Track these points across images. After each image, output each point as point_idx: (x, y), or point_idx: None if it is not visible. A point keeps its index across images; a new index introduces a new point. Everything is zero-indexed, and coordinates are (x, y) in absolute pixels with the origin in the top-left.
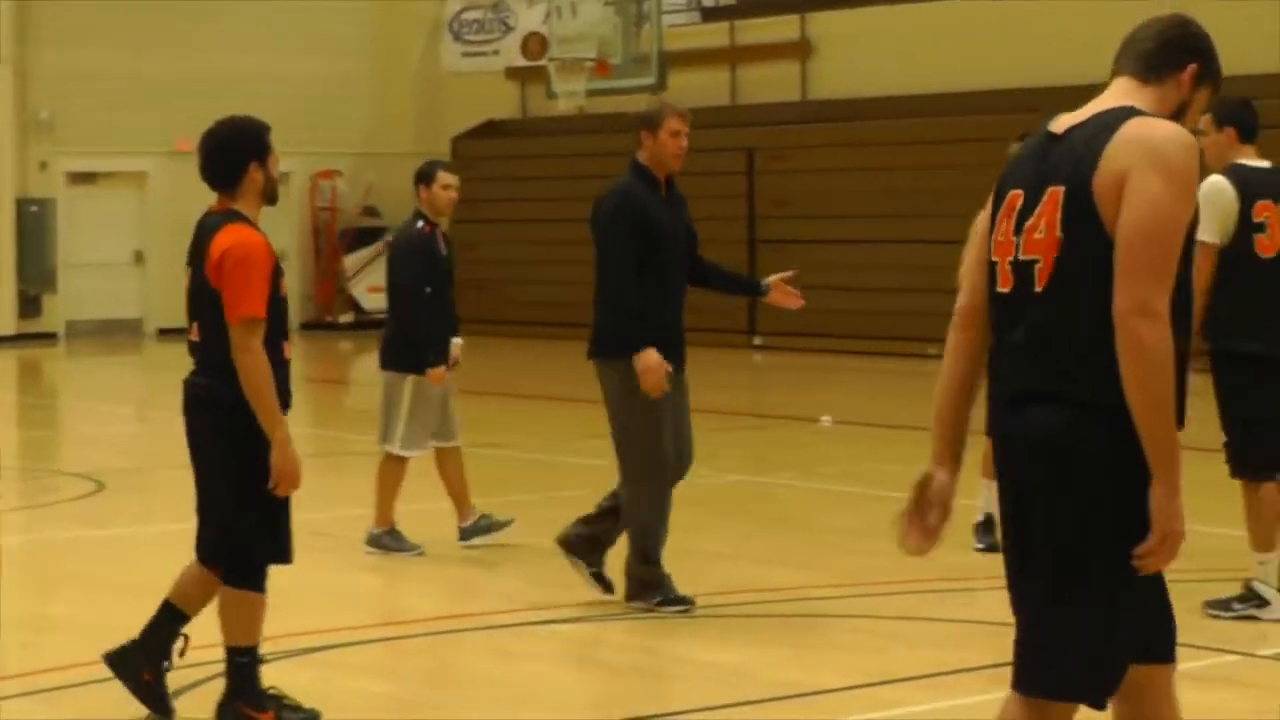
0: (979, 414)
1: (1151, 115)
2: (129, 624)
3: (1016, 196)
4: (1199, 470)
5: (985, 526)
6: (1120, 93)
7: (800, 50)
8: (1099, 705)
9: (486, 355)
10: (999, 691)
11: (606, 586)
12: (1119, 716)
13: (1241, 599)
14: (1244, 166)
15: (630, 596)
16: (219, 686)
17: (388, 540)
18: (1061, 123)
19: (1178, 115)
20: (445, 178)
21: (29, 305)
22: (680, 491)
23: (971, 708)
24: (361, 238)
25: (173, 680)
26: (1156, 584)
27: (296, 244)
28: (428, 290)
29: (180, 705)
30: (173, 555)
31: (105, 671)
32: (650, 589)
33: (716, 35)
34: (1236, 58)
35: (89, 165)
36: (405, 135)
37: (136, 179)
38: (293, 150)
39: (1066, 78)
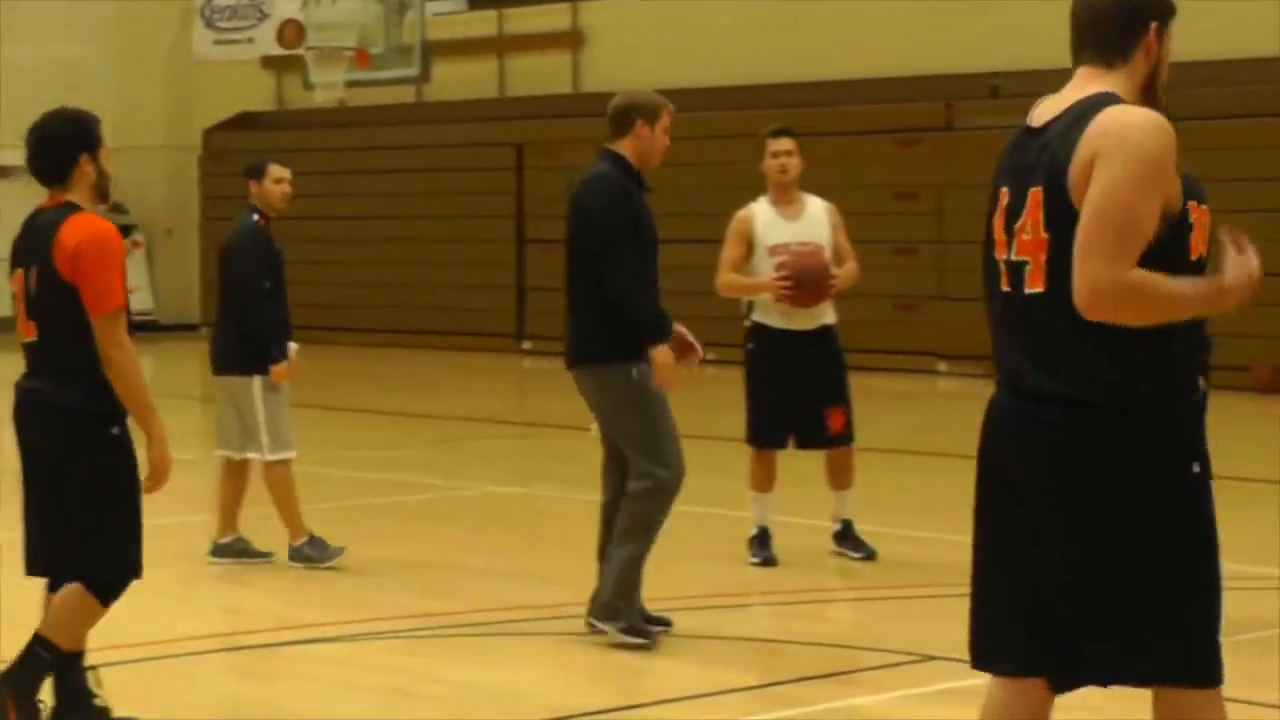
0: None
1: (1125, 102)
2: None
3: (1004, 194)
4: None
5: (760, 541)
6: (1087, 81)
7: (571, 40)
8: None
9: None
10: (774, 711)
11: (662, 622)
12: None
13: None
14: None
15: (600, 616)
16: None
17: (309, 550)
18: (1039, 115)
19: (1153, 77)
20: (277, 171)
21: None
22: (442, 504)
23: None
24: None
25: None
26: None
27: None
28: (267, 286)
29: None
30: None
31: None
32: (619, 615)
33: (483, 24)
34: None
35: None
36: (154, 127)
37: None
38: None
39: (846, 72)
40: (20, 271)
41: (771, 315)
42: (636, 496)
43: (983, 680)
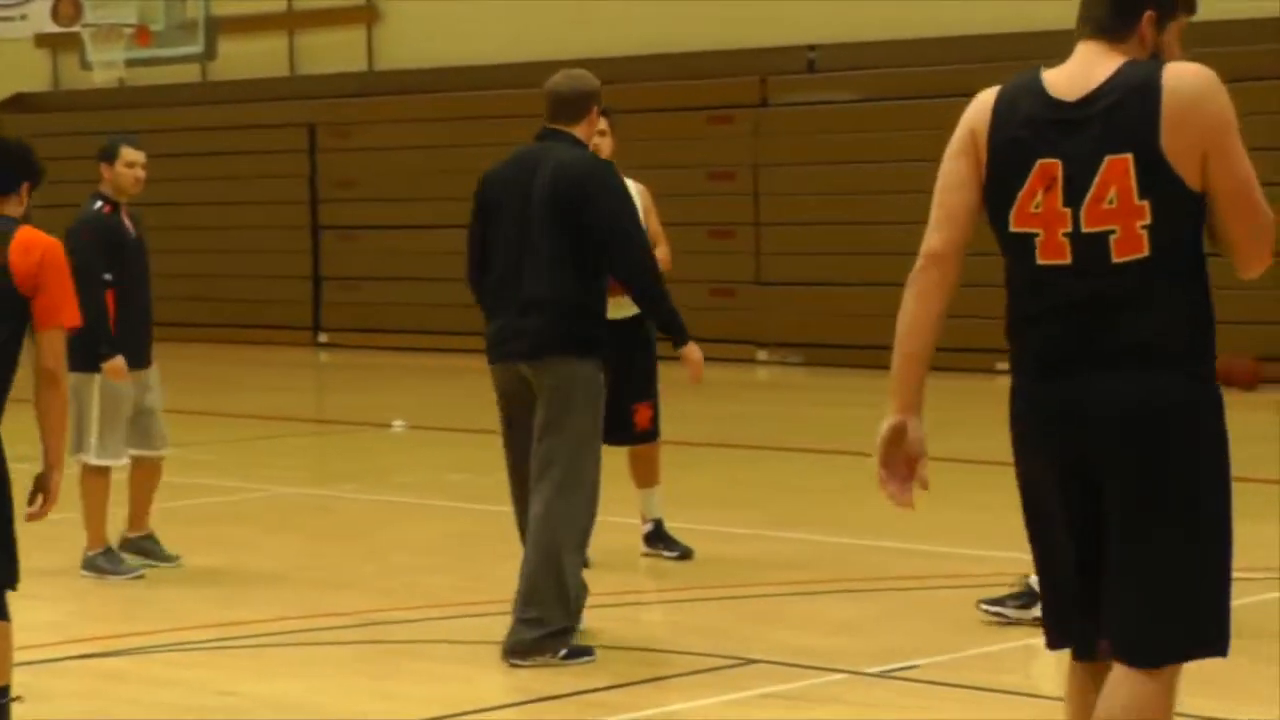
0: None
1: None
2: None
3: (1053, 166)
4: None
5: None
6: (1093, 55)
7: (366, 15)
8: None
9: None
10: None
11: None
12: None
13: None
14: None
15: (526, 651)
16: None
17: (102, 562)
18: (1064, 86)
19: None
20: (130, 154)
21: None
22: (232, 507)
23: None
24: None
25: None
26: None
27: None
28: (108, 277)
29: None
30: None
31: None
32: (560, 638)
33: None
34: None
35: None
36: None
37: None
38: None
39: (640, 47)
40: None
41: None
42: (573, 501)
43: (804, 684)
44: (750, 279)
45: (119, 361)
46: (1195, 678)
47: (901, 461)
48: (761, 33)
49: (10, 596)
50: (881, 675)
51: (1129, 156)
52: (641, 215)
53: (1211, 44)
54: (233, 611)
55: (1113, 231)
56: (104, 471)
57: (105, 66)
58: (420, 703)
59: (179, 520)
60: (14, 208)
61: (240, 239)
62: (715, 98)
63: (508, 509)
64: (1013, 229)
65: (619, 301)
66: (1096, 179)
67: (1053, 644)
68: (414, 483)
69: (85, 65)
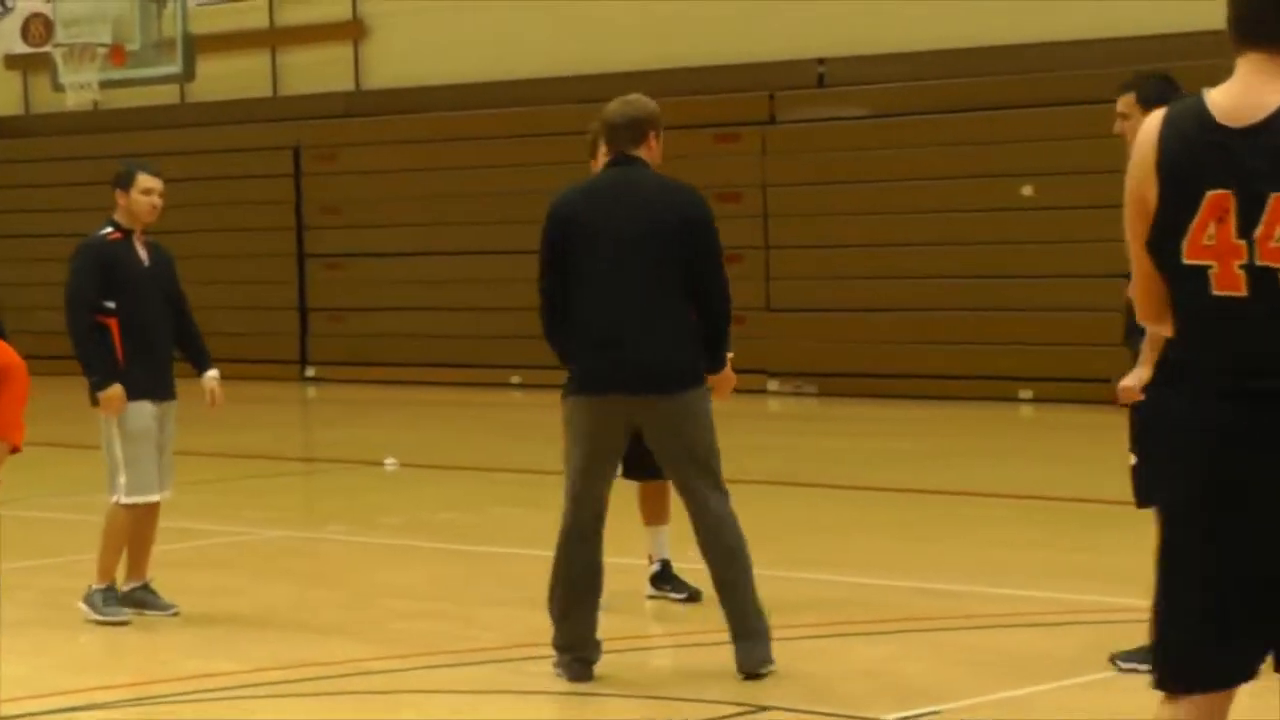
0: (539, 452)
1: None
2: None
3: (1224, 198)
4: None
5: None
6: (1262, 73)
7: (352, 32)
8: None
9: None
10: None
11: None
12: None
13: None
14: None
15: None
16: None
17: (96, 599)
18: (1233, 113)
19: None
20: (146, 181)
21: None
22: (214, 551)
23: None
24: None
25: None
26: None
27: None
28: (110, 305)
29: None
30: None
31: None
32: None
33: (253, 15)
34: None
35: None
36: None
37: None
38: None
39: (643, 63)
40: None
41: None
42: (729, 515)
43: None
44: (760, 305)
45: (115, 390)
46: None
47: None
48: (769, 46)
49: None
50: None
51: None
52: None
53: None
54: (211, 662)
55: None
56: (131, 510)
57: (78, 88)
58: None
59: (161, 565)
60: None
61: (222, 269)
62: (720, 115)
63: (500, 550)
64: (1185, 261)
65: None
66: (1264, 215)
67: (1177, 681)
68: (402, 524)
69: (57, 87)
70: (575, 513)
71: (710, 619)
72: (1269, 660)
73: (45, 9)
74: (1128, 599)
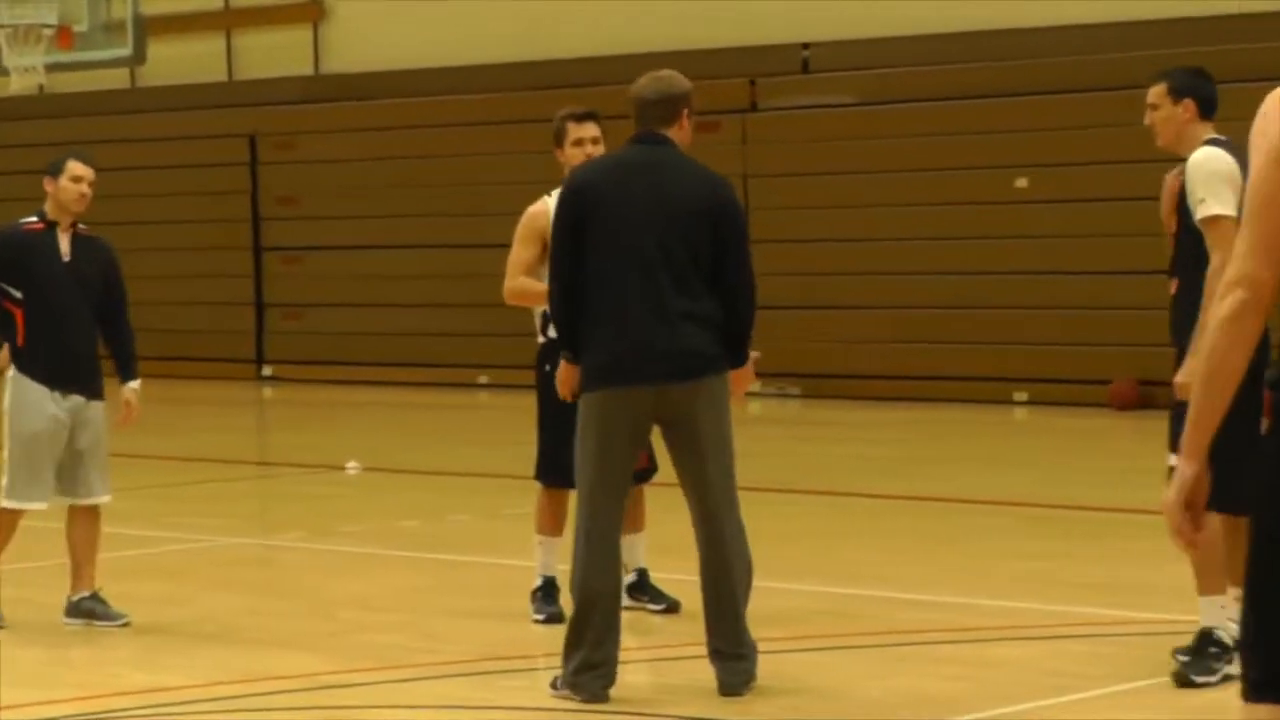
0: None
1: None
2: None
3: None
4: None
5: (545, 594)
6: None
7: (311, 13)
8: None
9: None
10: None
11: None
12: None
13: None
14: (1228, 142)
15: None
16: None
17: None
18: None
19: None
20: (76, 168)
21: None
22: (166, 560)
23: None
24: None
25: None
26: None
27: None
28: (17, 295)
29: None
30: None
31: None
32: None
33: None
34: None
35: None
36: None
37: None
38: None
39: (615, 47)
40: None
41: None
42: (736, 522)
43: None
44: None
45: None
46: None
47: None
48: (750, 30)
49: None
50: None
51: None
52: None
53: (1226, 41)
54: (162, 676)
55: None
56: (13, 515)
57: (23, 72)
58: None
59: (109, 573)
60: None
61: (173, 262)
62: (699, 102)
63: (466, 559)
64: None
65: None
66: None
67: (1265, 692)
68: (363, 531)
69: (0, 71)
70: (594, 517)
71: (690, 632)
72: None
73: None
74: (1125, 610)
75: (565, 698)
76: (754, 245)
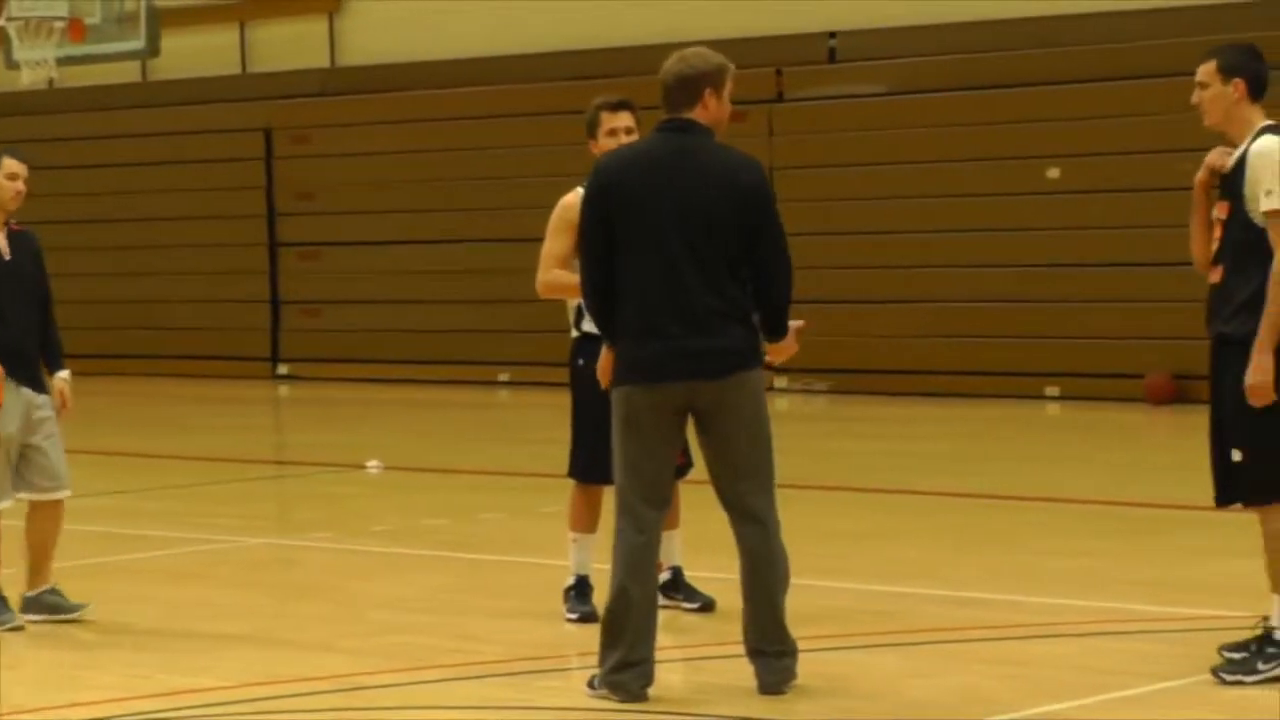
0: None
1: None
2: None
3: None
4: None
5: (579, 592)
6: None
7: (327, 4)
8: None
9: None
10: None
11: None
12: None
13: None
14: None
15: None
16: None
17: None
18: None
19: None
20: (11, 165)
21: None
22: (185, 561)
23: None
24: None
25: None
26: None
27: None
28: None
29: None
30: None
31: None
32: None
33: None
34: None
35: None
36: None
37: None
38: None
39: (641, 37)
40: None
41: None
42: (774, 519)
43: None
44: None
45: None
46: None
47: None
48: (776, 19)
49: None
50: None
51: None
52: None
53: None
54: (190, 678)
55: None
56: None
57: (34, 66)
58: None
59: (123, 576)
60: None
61: (187, 259)
62: None
63: (496, 558)
64: None
65: None
66: None
67: None
68: (389, 531)
69: (11, 64)
70: (631, 513)
71: (726, 630)
72: None
73: None
74: (1169, 607)
75: (604, 697)
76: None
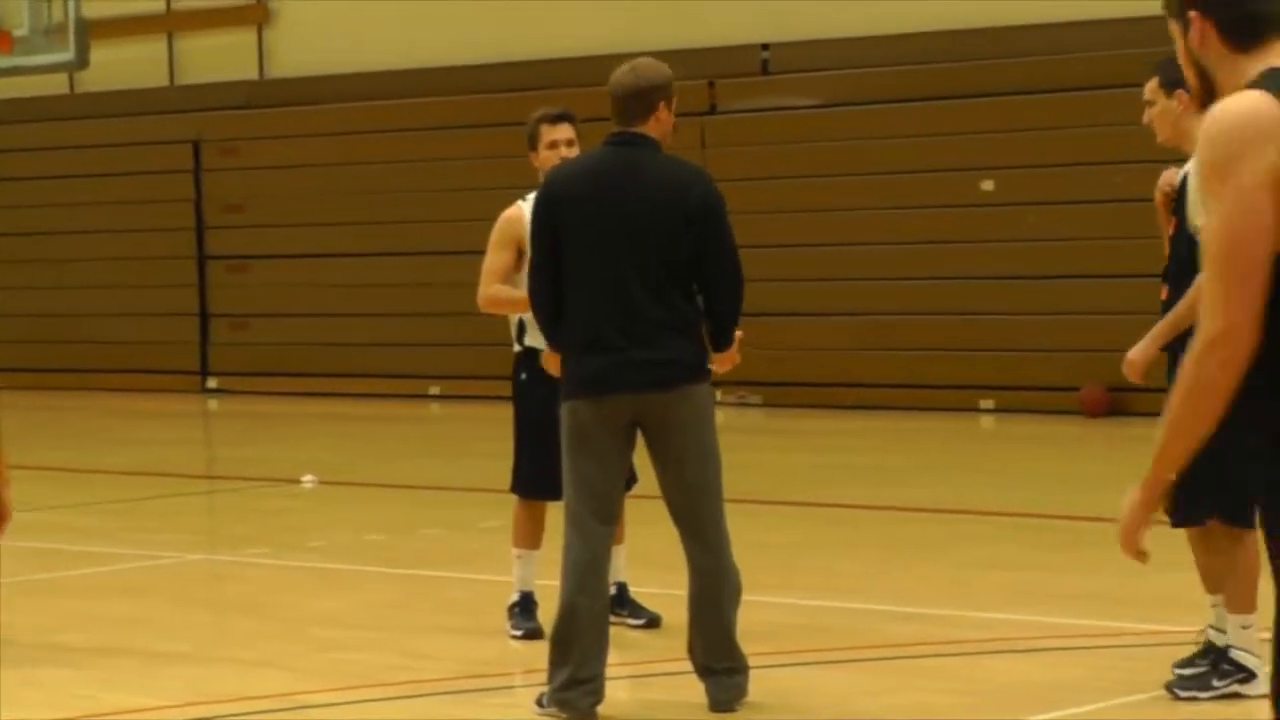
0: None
1: None
2: None
3: None
4: None
5: (523, 608)
6: None
7: (255, 16)
8: None
9: None
10: None
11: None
12: None
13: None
14: None
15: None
16: None
17: None
18: None
19: None
20: None
21: None
22: (117, 578)
23: None
24: None
25: None
26: None
27: None
28: None
29: None
30: None
31: None
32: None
33: None
34: None
35: None
36: None
37: None
38: None
39: (575, 49)
40: None
41: None
42: (724, 534)
43: None
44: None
45: None
46: None
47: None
48: (708, 30)
49: None
50: None
51: None
52: None
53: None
54: (130, 696)
55: None
56: None
57: None
58: None
59: (54, 593)
60: None
61: (116, 272)
62: None
63: (436, 574)
64: None
65: None
66: None
67: None
68: (329, 546)
69: None
70: (581, 529)
71: (673, 647)
72: None
73: None
74: (1112, 621)
75: (552, 715)
76: None
